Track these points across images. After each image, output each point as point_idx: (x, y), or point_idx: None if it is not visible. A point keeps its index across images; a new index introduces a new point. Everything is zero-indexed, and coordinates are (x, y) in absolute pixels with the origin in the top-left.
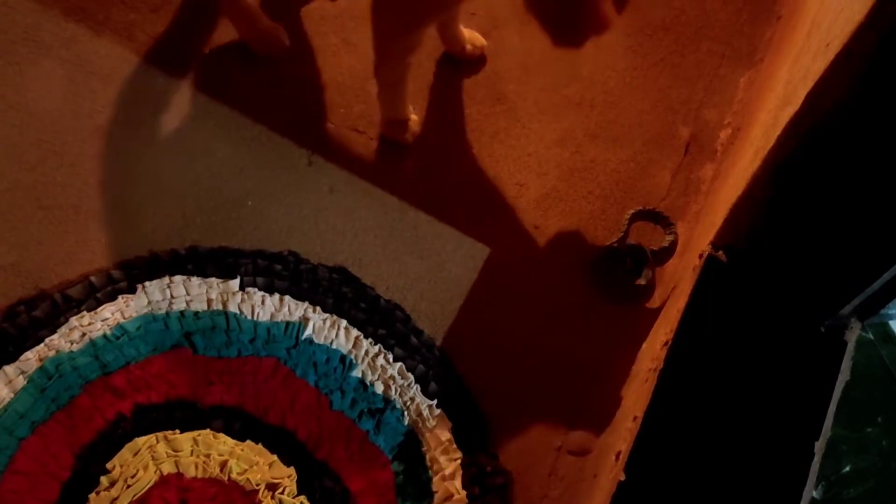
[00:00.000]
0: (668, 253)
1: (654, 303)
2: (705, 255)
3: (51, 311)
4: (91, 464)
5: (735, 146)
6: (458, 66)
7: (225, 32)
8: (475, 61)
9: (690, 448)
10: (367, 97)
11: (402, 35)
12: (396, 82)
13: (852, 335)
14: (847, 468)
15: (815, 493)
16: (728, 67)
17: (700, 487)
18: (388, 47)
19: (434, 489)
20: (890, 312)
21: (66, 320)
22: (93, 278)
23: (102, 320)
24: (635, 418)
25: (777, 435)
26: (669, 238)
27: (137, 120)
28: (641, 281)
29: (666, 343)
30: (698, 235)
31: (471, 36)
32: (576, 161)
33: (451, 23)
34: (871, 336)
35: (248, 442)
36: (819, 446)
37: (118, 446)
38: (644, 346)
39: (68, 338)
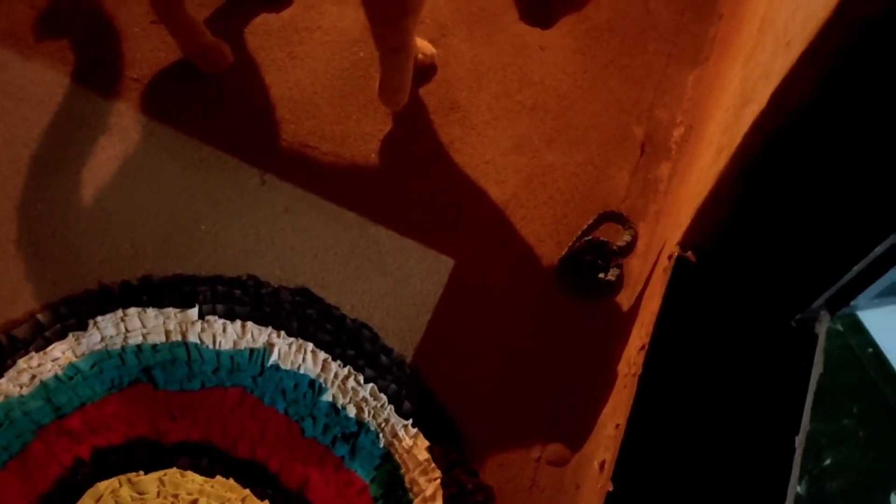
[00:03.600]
0: (629, 248)
1: (623, 302)
2: (674, 257)
3: None
4: None
5: (690, 144)
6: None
7: (166, 51)
8: (426, 70)
9: (675, 453)
10: (316, 111)
11: None
12: (402, 45)
13: (823, 328)
14: (828, 461)
15: (799, 489)
16: (675, 67)
17: (687, 491)
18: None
19: None
20: (859, 304)
21: (14, 363)
22: (39, 316)
23: (53, 360)
24: (617, 426)
25: (758, 433)
26: (627, 236)
27: (77, 147)
28: (610, 277)
29: (643, 347)
30: (660, 234)
31: (421, 45)
32: (534, 167)
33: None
34: (842, 328)
35: (219, 477)
36: (799, 441)
37: (78, 493)
38: (623, 352)
39: (17, 381)
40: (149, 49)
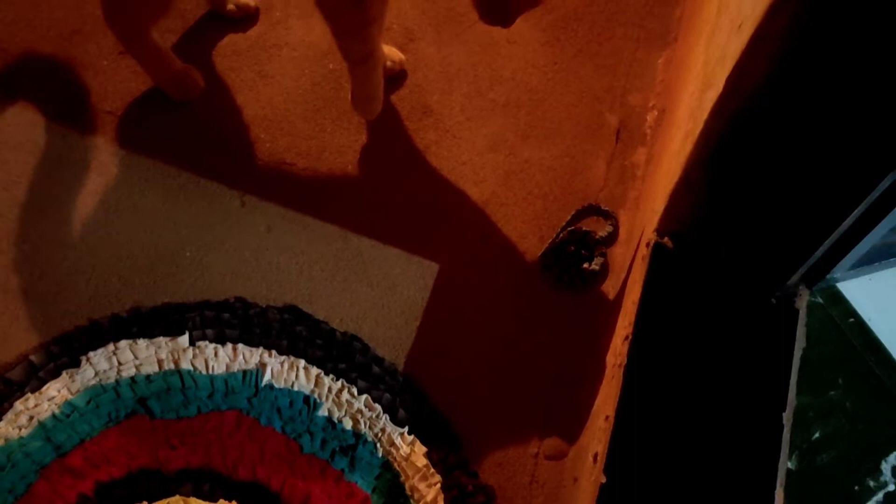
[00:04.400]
0: (612, 238)
1: (609, 291)
2: (652, 244)
3: None
4: None
5: (663, 128)
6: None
7: (136, 82)
8: (396, 76)
9: (664, 440)
10: (291, 128)
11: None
12: (369, 54)
13: (802, 302)
14: (817, 434)
15: (789, 465)
16: (644, 50)
17: (679, 478)
18: (347, 21)
19: None
20: (835, 276)
21: (11, 405)
22: (32, 357)
23: (49, 399)
24: (607, 418)
25: (745, 412)
26: (609, 226)
27: (57, 185)
28: (595, 266)
29: (627, 337)
30: (640, 221)
31: (389, 52)
32: (511, 164)
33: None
34: (821, 300)
35: (221, 501)
36: (787, 417)
37: None
38: (610, 342)
39: (15, 423)
40: (120, 80)
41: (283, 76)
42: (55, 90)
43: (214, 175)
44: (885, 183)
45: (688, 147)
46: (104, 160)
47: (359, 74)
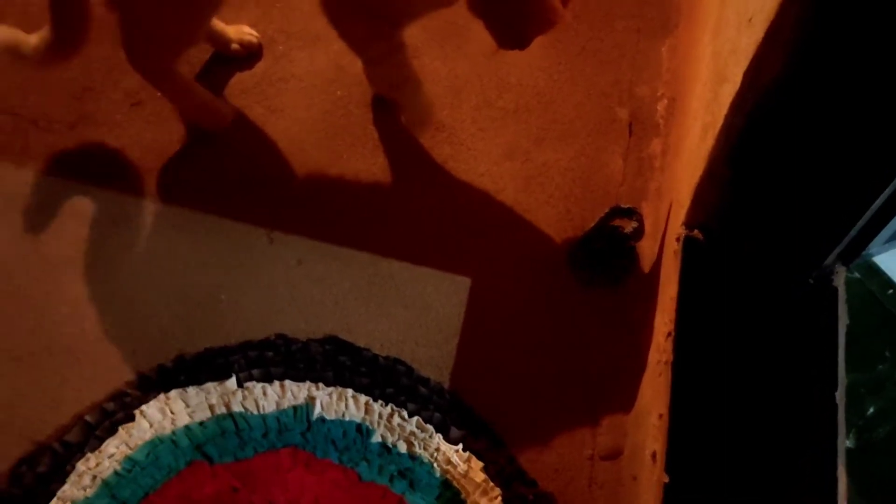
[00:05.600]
0: (639, 233)
1: (642, 285)
2: (682, 238)
3: (53, 462)
4: None
5: (676, 118)
6: (390, 105)
7: (152, 131)
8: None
9: (722, 434)
10: (307, 159)
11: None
12: (404, 80)
13: (840, 280)
14: (871, 410)
15: (848, 443)
16: (647, 41)
17: (741, 470)
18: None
19: None
20: (870, 251)
21: (73, 467)
22: (87, 417)
23: (109, 457)
24: (661, 416)
25: (798, 397)
26: (635, 222)
27: (85, 243)
28: (625, 261)
29: (669, 334)
30: (664, 212)
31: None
32: (528, 169)
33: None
34: (859, 276)
35: None
36: (839, 396)
37: None
38: (650, 337)
39: (79, 485)
40: (135, 132)
41: (293, 108)
42: (72, 149)
43: (239, 215)
44: None
45: (708, 140)
46: (129, 213)
47: (399, 99)
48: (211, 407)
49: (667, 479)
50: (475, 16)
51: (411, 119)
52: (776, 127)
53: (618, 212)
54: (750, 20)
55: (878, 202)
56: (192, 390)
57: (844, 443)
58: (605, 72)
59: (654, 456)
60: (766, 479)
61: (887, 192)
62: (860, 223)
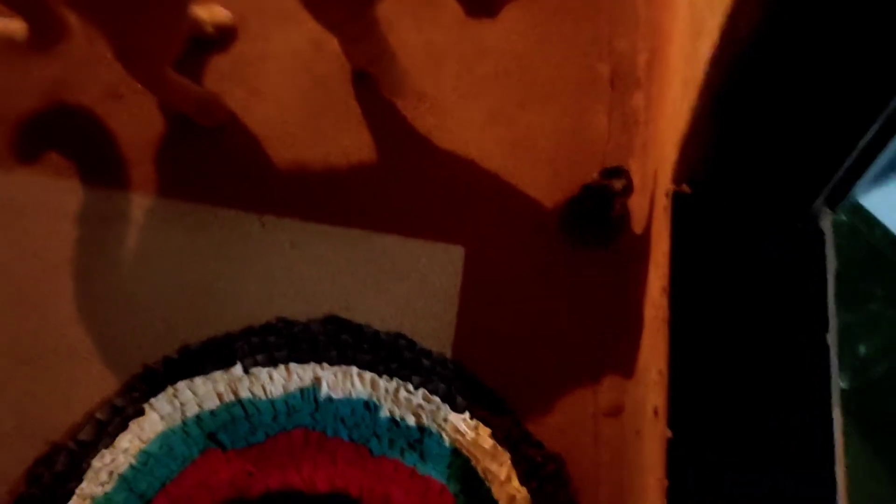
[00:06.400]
0: (627, 191)
1: (634, 241)
2: (671, 193)
3: (69, 461)
4: None
5: (657, 71)
6: (371, 79)
7: (135, 125)
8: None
9: (721, 387)
10: (292, 140)
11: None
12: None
13: (827, 222)
14: (863, 350)
15: (842, 384)
16: None
17: (742, 421)
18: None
19: (496, 497)
20: (855, 192)
21: (89, 465)
22: (98, 414)
23: (123, 452)
24: (660, 371)
25: (791, 342)
26: (623, 181)
27: (82, 243)
28: (615, 217)
29: (664, 289)
30: (651, 167)
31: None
32: (513, 134)
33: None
34: (845, 217)
35: None
36: (831, 338)
37: None
38: (644, 293)
39: (97, 481)
40: (118, 126)
41: (273, 89)
42: (57, 149)
43: (229, 202)
44: None
45: (689, 94)
46: (120, 208)
47: (378, 72)
48: (219, 395)
49: (670, 435)
50: None
51: (390, 90)
52: (756, 77)
53: (605, 172)
54: None
55: (862, 142)
56: (198, 380)
57: (839, 384)
58: (582, 29)
59: (655, 410)
60: (765, 426)
61: (871, 132)
62: (844, 165)
